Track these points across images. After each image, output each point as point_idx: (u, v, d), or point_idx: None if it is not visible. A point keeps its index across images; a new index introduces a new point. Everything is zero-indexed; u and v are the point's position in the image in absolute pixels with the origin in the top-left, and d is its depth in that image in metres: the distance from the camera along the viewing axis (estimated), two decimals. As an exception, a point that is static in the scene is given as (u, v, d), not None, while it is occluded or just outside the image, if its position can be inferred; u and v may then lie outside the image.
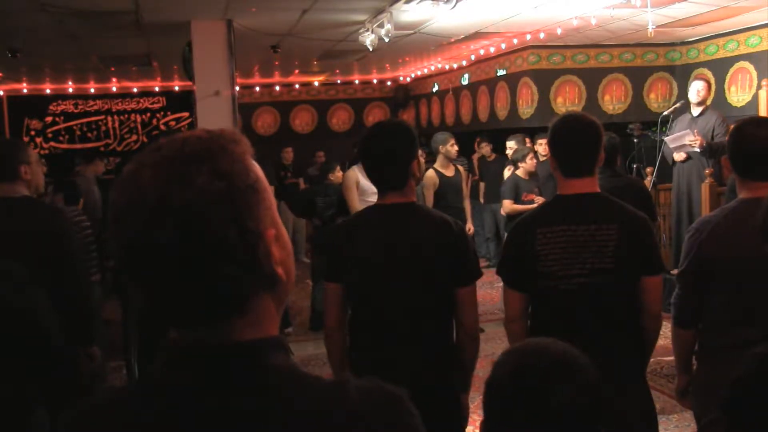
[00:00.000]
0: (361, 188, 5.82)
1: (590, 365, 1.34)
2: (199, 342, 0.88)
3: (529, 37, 8.25)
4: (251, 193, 0.87)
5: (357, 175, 5.86)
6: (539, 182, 6.68)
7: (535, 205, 5.32)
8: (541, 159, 6.94)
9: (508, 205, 6.51)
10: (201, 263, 0.83)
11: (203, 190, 0.83)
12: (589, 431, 1.29)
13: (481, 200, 9.07)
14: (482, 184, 9.26)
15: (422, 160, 4.99)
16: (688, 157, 6.68)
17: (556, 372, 1.30)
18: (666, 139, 6.79)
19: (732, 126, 3.18)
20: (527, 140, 7.83)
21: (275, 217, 0.92)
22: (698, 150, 6.48)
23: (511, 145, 7.31)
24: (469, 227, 6.63)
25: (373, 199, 2.69)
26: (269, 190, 0.92)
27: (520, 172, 6.62)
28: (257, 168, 0.91)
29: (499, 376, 1.34)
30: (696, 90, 6.70)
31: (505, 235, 6.61)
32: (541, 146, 7.22)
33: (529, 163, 6.60)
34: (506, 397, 1.32)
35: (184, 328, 0.90)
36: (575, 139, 2.52)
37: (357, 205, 5.63)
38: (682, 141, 6.58)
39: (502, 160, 7.95)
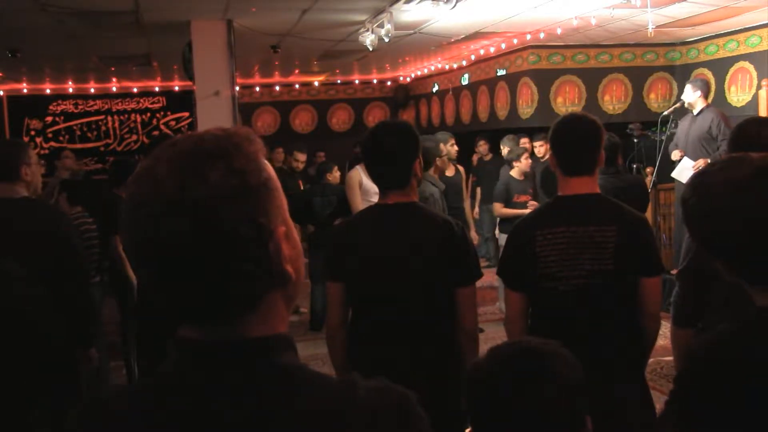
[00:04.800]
0: (364, 188, 5.82)
1: (569, 366, 1.32)
2: (210, 338, 0.89)
3: (529, 37, 8.25)
4: (264, 190, 0.89)
5: (360, 175, 5.86)
6: (534, 183, 6.67)
7: (527, 210, 5.31)
8: (541, 160, 6.94)
9: (498, 209, 6.52)
10: (214, 258, 0.84)
11: (218, 186, 0.84)
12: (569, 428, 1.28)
13: (476, 207, 8.98)
14: (478, 189, 9.20)
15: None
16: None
17: (531, 372, 1.29)
18: (674, 176, 6.72)
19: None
20: (527, 141, 7.83)
21: (286, 216, 0.93)
22: None
23: (505, 146, 7.36)
24: (475, 237, 6.59)
25: (376, 199, 2.70)
26: (280, 189, 0.93)
27: (514, 173, 6.60)
28: (269, 167, 0.92)
29: (478, 378, 1.33)
30: (684, 96, 6.82)
31: (499, 235, 6.61)
32: (542, 147, 7.22)
33: (523, 163, 6.58)
34: (485, 398, 1.31)
35: (195, 324, 0.90)
36: (575, 138, 2.53)
37: (359, 205, 5.63)
38: (690, 172, 6.49)
39: (500, 160, 7.94)
